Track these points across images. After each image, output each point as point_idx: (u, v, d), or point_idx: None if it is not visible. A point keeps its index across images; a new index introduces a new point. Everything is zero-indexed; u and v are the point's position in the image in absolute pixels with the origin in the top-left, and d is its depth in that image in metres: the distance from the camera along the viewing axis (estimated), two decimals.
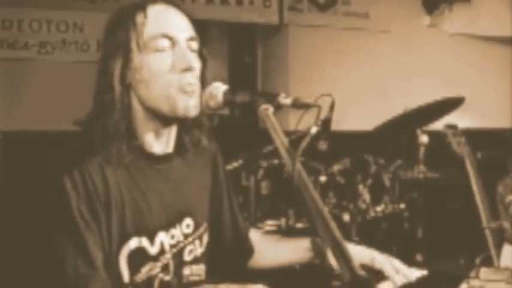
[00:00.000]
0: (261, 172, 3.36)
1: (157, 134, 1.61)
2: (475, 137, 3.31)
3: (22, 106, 4.30)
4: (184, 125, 1.67)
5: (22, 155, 3.83)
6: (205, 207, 1.77)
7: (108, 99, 1.53)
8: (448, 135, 3.28)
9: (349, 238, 3.34)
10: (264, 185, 3.37)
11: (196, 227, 1.71)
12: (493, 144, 3.44)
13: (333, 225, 1.26)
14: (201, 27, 1.66)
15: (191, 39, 1.58)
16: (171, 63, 1.54)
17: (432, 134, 3.52)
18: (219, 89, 1.52)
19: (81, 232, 1.47)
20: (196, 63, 1.57)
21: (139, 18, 1.55)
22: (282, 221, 3.34)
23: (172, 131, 1.66)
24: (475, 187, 3.10)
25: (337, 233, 1.25)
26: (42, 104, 4.28)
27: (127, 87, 1.56)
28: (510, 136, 5.14)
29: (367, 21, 5.29)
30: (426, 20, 5.53)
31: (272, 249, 1.92)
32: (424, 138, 3.53)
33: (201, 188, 1.77)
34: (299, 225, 3.32)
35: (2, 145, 3.28)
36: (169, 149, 1.66)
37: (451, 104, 3.52)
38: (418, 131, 3.55)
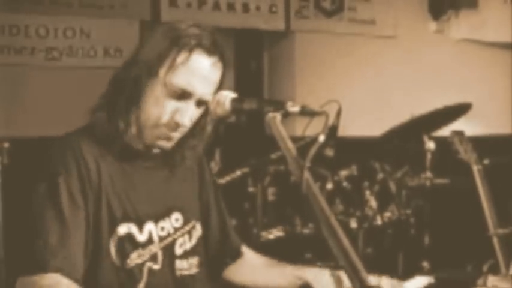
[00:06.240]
0: (267, 178, 3.36)
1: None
2: (482, 144, 3.30)
3: (29, 112, 4.30)
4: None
5: (29, 162, 3.82)
6: (194, 205, 1.81)
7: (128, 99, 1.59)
8: (455, 142, 3.26)
9: (356, 245, 3.33)
10: (270, 191, 3.36)
11: (186, 221, 1.75)
12: (500, 150, 3.43)
13: (341, 233, 1.26)
14: None
15: (203, 102, 1.61)
16: (173, 110, 1.58)
17: (439, 141, 3.51)
18: (226, 97, 1.54)
19: (63, 205, 1.51)
20: (190, 122, 1.62)
21: (181, 56, 1.57)
22: (289, 227, 3.33)
23: None
24: (482, 194, 3.08)
25: (345, 241, 1.25)
26: (49, 110, 4.27)
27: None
28: None
29: (373, 27, 5.28)
30: (432, 25, 5.51)
31: (264, 271, 1.93)
32: (430, 145, 3.52)
33: (188, 187, 1.82)
34: (305, 231, 3.31)
35: (10, 152, 3.26)
36: (157, 151, 1.71)
37: (458, 110, 3.51)
38: (425, 138, 3.54)
